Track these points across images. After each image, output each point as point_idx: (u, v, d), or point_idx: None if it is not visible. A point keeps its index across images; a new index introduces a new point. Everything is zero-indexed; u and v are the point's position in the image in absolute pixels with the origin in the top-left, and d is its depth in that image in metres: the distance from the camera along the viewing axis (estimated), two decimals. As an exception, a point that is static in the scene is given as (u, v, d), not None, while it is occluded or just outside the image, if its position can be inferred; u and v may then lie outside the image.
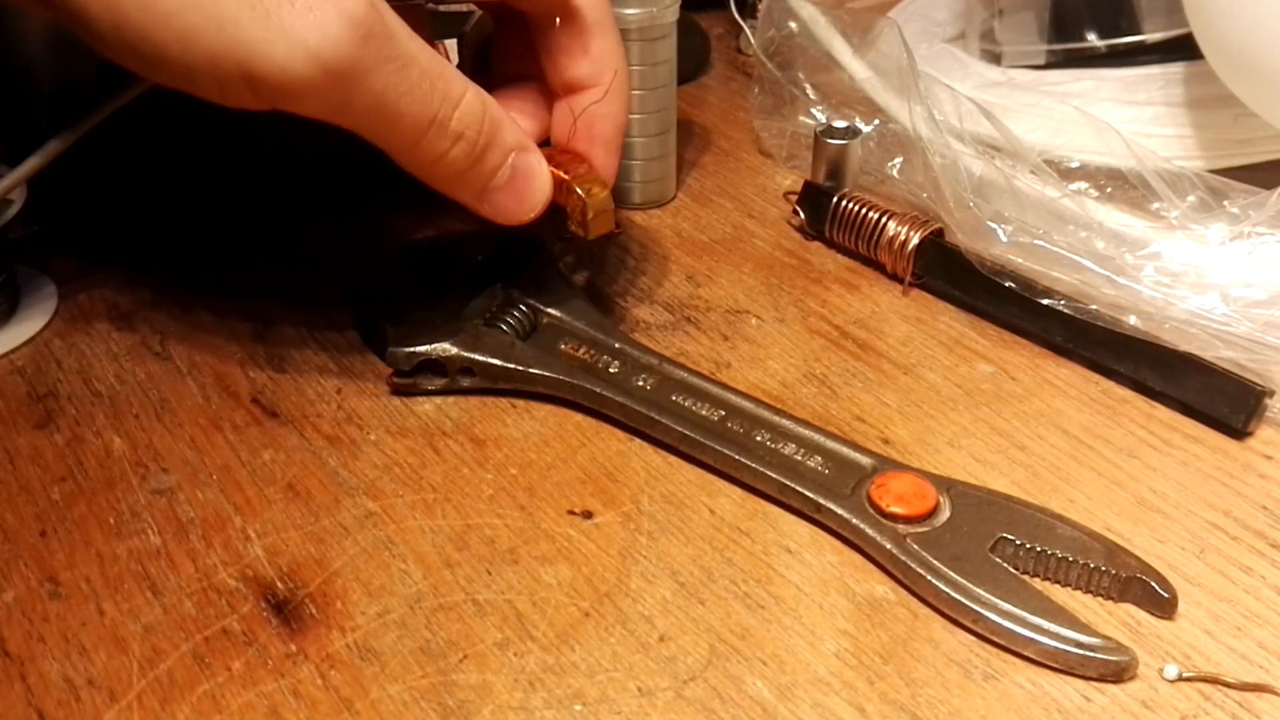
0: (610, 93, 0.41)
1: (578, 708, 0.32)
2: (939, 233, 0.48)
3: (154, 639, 0.34)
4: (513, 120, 0.39)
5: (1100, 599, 0.35)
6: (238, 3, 0.31)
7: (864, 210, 0.49)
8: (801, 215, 0.51)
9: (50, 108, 0.49)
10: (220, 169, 0.41)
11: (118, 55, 0.33)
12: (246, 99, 0.32)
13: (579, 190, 0.40)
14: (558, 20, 0.40)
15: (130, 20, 0.31)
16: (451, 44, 0.48)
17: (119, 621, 0.34)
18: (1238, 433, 0.41)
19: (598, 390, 0.41)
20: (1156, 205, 0.45)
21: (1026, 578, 0.35)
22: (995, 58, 0.58)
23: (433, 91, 0.35)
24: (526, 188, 0.39)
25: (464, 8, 0.41)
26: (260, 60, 0.31)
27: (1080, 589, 0.35)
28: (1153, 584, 0.34)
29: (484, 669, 0.33)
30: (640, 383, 0.42)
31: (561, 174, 0.41)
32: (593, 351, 0.43)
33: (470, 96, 0.36)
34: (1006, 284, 0.45)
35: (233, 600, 0.35)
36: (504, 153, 0.38)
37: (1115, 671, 0.33)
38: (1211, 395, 0.41)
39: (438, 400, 0.43)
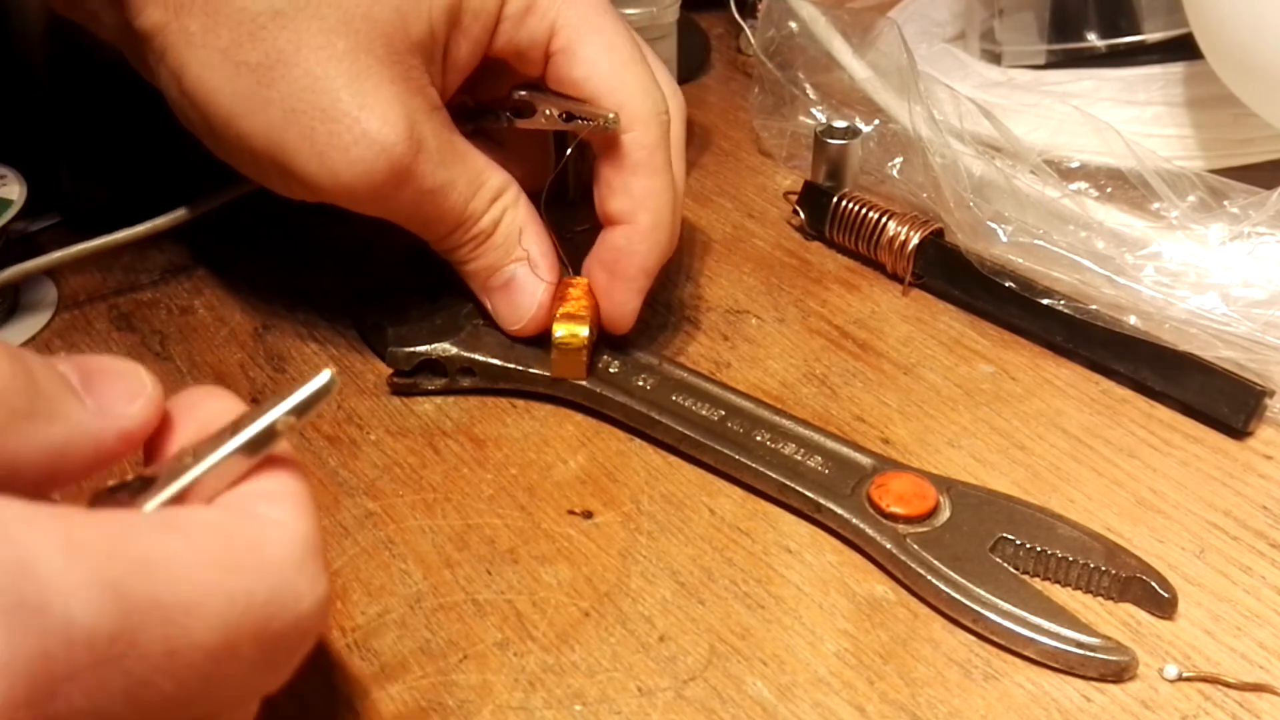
0: (643, 232, 0.41)
1: (578, 708, 0.32)
2: (939, 233, 0.48)
3: (154, 639, 0.34)
4: (543, 238, 0.41)
5: (1100, 599, 0.35)
6: (298, 136, 0.37)
7: (864, 210, 0.49)
8: (801, 215, 0.51)
9: (51, 71, 0.49)
10: (221, 169, 0.41)
11: (207, 146, 0.40)
12: (305, 197, 0.40)
13: (554, 326, 0.41)
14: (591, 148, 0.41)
15: (219, 134, 0.38)
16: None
17: (119, 621, 0.34)
18: (1238, 433, 0.41)
19: (597, 390, 0.41)
20: (1156, 205, 0.45)
21: (1026, 578, 0.35)
22: (995, 58, 0.58)
23: (462, 205, 0.40)
24: (518, 300, 0.41)
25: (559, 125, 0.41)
26: (314, 181, 0.38)
27: (1080, 589, 0.35)
28: (1153, 584, 0.34)
29: (484, 669, 0.33)
30: (640, 383, 0.42)
31: (559, 303, 0.41)
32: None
33: (498, 206, 0.40)
34: (1006, 284, 0.45)
35: (233, 600, 0.35)
36: (507, 255, 0.41)
37: (1115, 671, 0.33)
38: (1211, 395, 0.41)
39: (438, 400, 0.43)
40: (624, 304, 0.42)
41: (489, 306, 0.42)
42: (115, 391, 0.25)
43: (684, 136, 0.45)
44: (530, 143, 0.45)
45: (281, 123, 0.37)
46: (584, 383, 0.41)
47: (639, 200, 0.40)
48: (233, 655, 0.22)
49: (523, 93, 0.41)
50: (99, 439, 0.24)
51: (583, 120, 0.40)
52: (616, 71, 0.40)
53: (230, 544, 0.23)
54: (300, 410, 0.25)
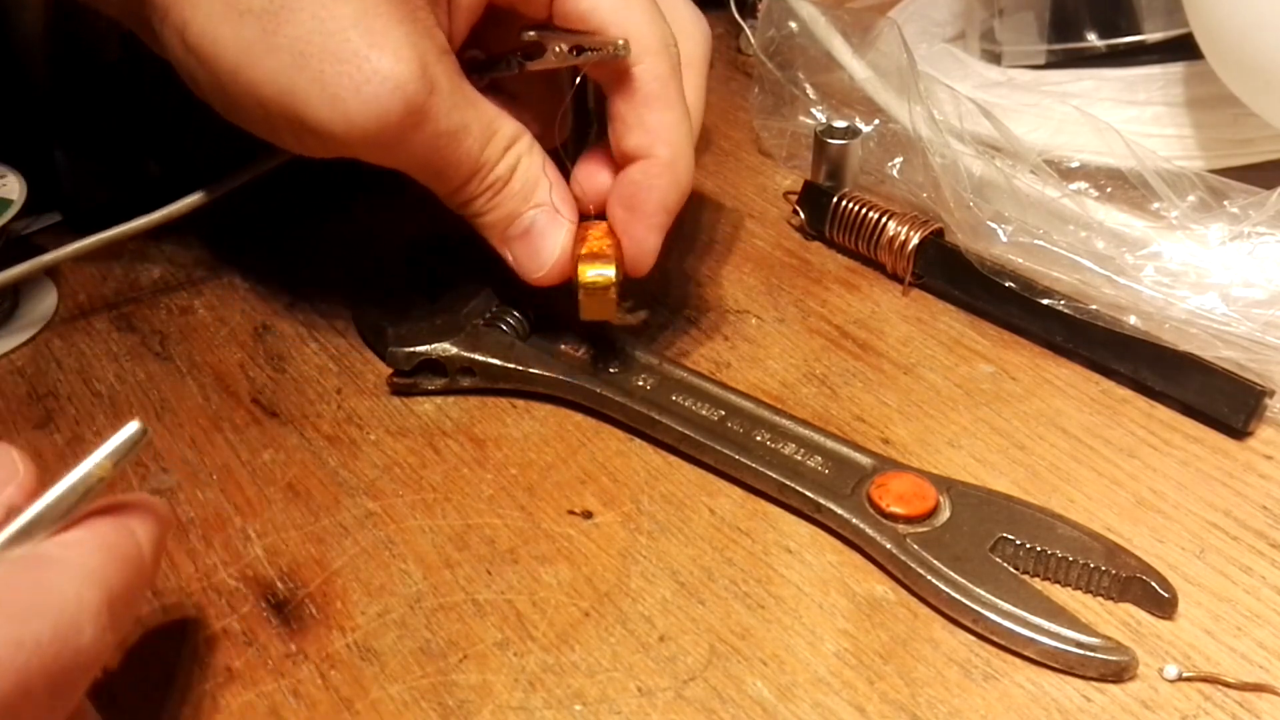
0: (661, 166, 0.40)
1: (578, 708, 0.32)
2: (939, 233, 0.48)
3: (154, 639, 0.34)
4: (560, 184, 0.41)
5: (1100, 599, 0.35)
6: (308, 80, 0.36)
7: (864, 210, 0.49)
8: (801, 215, 0.51)
9: (51, 71, 0.49)
10: (221, 168, 0.41)
11: (216, 108, 0.39)
12: (318, 150, 0.38)
13: (579, 268, 0.39)
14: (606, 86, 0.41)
15: (227, 90, 0.37)
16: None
17: (119, 621, 0.34)
18: (1238, 433, 0.41)
19: (597, 390, 0.41)
20: (1156, 205, 0.45)
21: (1026, 578, 0.35)
22: (995, 58, 0.58)
23: (478, 151, 0.39)
24: (540, 245, 0.41)
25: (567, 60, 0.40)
26: (326, 127, 0.37)
27: (1080, 589, 0.35)
28: (1153, 584, 0.34)
29: (484, 669, 0.33)
30: (640, 383, 0.42)
31: (580, 244, 0.40)
32: (592, 351, 0.43)
33: (513, 154, 0.40)
34: (1006, 284, 0.45)
35: (233, 600, 0.35)
36: (525, 202, 0.40)
37: (1115, 671, 0.33)
38: (1211, 395, 0.41)
39: (438, 400, 0.43)
40: (644, 241, 0.41)
41: (509, 258, 0.41)
42: None
43: (708, 64, 0.44)
44: (543, 94, 0.44)
45: (291, 67, 0.36)
46: (584, 383, 0.41)
47: (655, 133, 0.40)
48: (26, 696, 0.23)
49: (531, 33, 0.40)
50: None
51: (592, 51, 0.39)
52: (623, 3, 0.39)
53: (13, 594, 0.24)
54: (115, 458, 0.28)
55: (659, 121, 0.40)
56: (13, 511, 0.27)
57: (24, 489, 0.27)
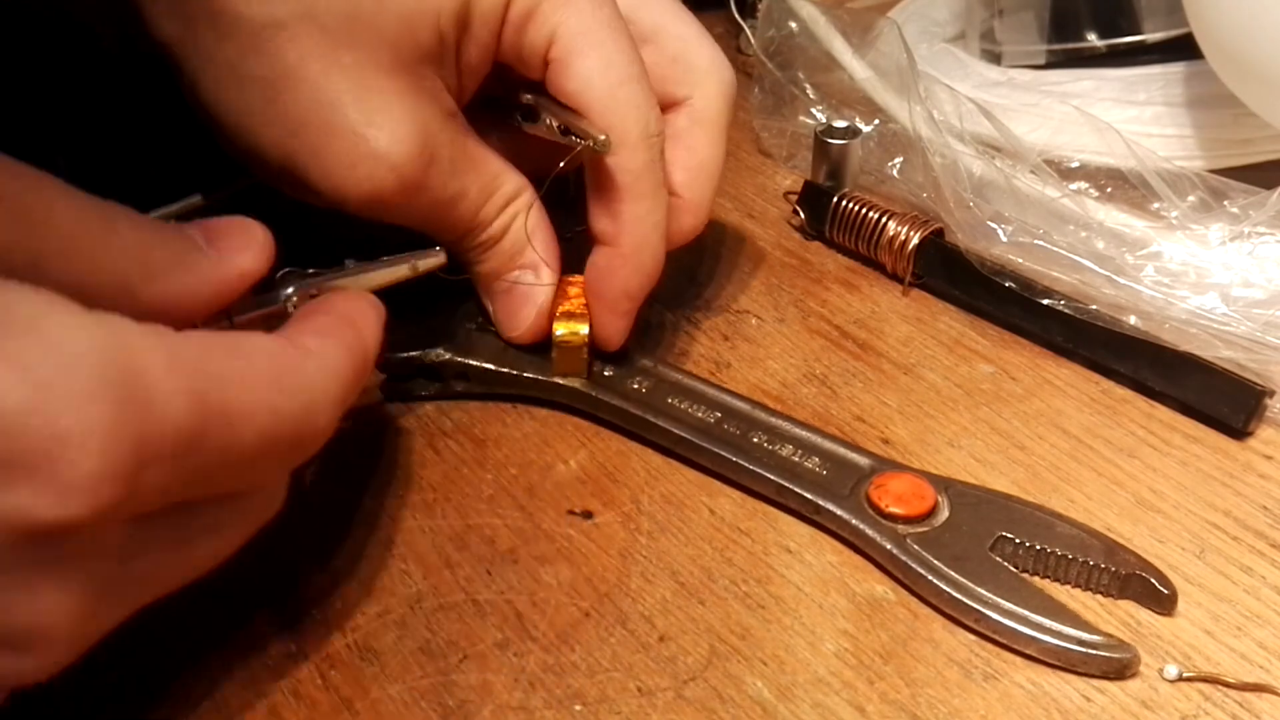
0: (622, 257, 0.40)
1: (578, 708, 0.32)
2: (939, 233, 0.48)
3: (154, 639, 0.34)
4: (550, 241, 0.41)
5: (1100, 597, 0.35)
6: (306, 152, 0.37)
7: (864, 210, 0.49)
8: (801, 215, 0.51)
9: (51, 69, 0.48)
10: (220, 168, 0.41)
11: (227, 151, 0.40)
12: (321, 205, 0.39)
13: (554, 324, 0.41)
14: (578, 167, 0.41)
15: (233, 145, 0.39)
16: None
17: (119, 622, 0.34)
18: (1238, 433, 0.41)
19: (593, 394, 0.41)
20: (1156, 205, 0.45)
21: (1026, 576, 0.35)
22: (995, 58, 0.58)
23: (473, 212, 0.40)
24: (519, 307, 0.41)
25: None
26: (322, 194, 0.38)
27: (1080, 587, 0.35)
28: (1152, 580, 0.34)
29: (484, 669, 0.33)
30: (635, 386, 0.41)
31: (560, 301, 0.41)
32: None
33: (508, 212, 0.41)
34: (1006, 284, 0.45)
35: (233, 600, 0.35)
36: (512, 261, 0.41)
37: (1117, 668, 0.33)
38: (1211, 395, 0.41)
39: (438, 400, 0.43)
40: (609, 324, 0.41)
41: (490, 310, 0.42)
42: (233, 244, 0.32)
43: (727, 115, 0.44)
44: (539, 147, 0.44)
45: (289, 137, 0.37)
46: (579, 386, 0.41)
47: (622, 224, 0.40)
48: (266, 455, 0.28)
49: (529, 97, 0.41)
50: (223, 280, 0.31)
51: (576, 138, 0.39)
52: (610, 90, 0.39)
53: (278, 368, 0.28)
54: (415, 270, 0.38)
55: (627, 214, 0.40)
56: (246, 276, 0.31)
57: (264, 247, 0.32)
